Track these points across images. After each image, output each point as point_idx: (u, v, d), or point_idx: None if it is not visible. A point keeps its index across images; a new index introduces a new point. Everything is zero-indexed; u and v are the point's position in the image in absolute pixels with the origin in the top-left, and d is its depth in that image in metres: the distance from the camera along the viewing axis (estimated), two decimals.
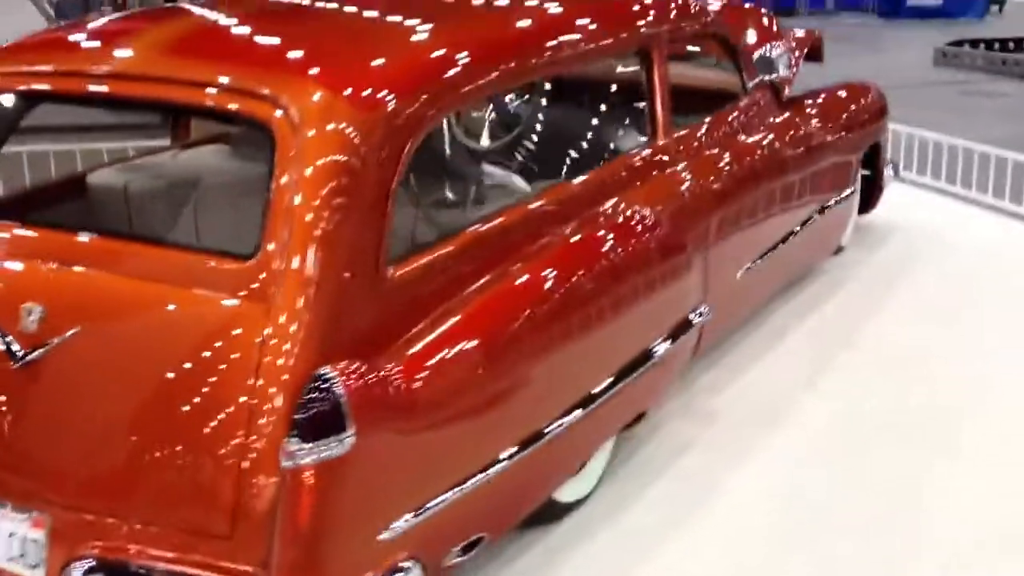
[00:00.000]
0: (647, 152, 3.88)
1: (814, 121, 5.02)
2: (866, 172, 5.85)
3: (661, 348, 3.51)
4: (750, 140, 4.49)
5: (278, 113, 2.65)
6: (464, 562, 2.84)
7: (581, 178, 3.55)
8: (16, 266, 2.85)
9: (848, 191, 5.42)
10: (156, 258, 2.74)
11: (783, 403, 4.22)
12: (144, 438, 2.58)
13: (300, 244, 2.54)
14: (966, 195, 6.90)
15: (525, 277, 3.05)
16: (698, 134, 4.21)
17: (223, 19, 3.56)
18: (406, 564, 2.60)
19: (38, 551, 2.64)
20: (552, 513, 3.33)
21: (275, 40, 3.32)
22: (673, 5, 4.25)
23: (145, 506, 2.57)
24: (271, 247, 2.56)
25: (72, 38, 3.35)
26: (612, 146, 4.01)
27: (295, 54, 3.07)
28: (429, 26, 3.45)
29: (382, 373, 2.52)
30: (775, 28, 5.49)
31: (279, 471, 2.40)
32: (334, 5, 3.91)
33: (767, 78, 4.77)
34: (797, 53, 5.40)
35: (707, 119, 4.34)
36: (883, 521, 3.46)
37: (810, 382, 4.41)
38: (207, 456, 2.51)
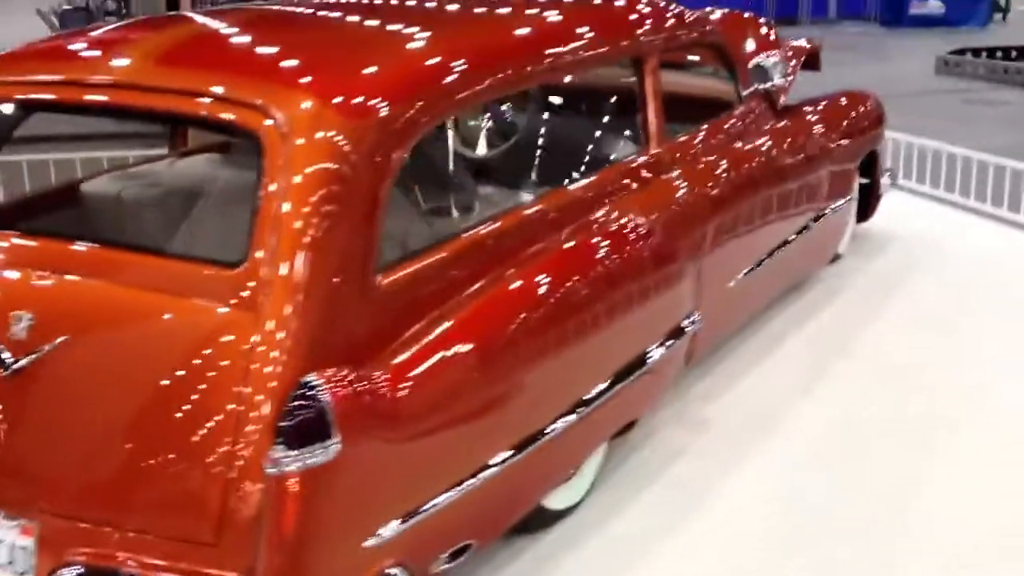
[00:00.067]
0: (640, 160, 3.89)
1: (809, 129, 5.03)
2: (864, 180, 5.85)
3: (652, 356, 3.52)
4: (744, 149, 4.49)
5: (267, 122, 2.67)
6: (452, 569, 2.85)
7: (573, 186, 3.57)
8: (6, 274, 2.86)
9: (845, 199, 5.42)
10: (145, 266, 2.76)
11: (778, 411, 4.22)
12: (132, 445, 2.59)
13: (288, 251, 2.55)
14: (964, 203, 6.90)
15: (515, 285, 3.06)
16: (691, 142, 4.22)
17: (220, 28, 3.58)
18: (393, 571, 2.61)
19: (27, 558, 2.65)
20: (542, 520, 3.33)
21: (267, 49, 3.34)
22: (666, 14, 4.26)
23: (132, 513, 2.58)
24: (259, 255, 2.57)
25: (67, 47, 3.37)
26: (605, 154, 4.02)
27: (287, 63, 3.10)
28: (421, 34, 3.48)
29: (369, 381, 2.53)
30: (772, 37, 5.49)
31: (265, 478, 2.41)
32: (331, 13, 3.93)
33: (762, 87, 4.78)
34: (793, 62, 5.40)
35: (701, 128, 4.35)
36: (880, 525, 3.46)
37: (806, 389, 4.41)
38: (194, 463, 2.52)
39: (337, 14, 3.93)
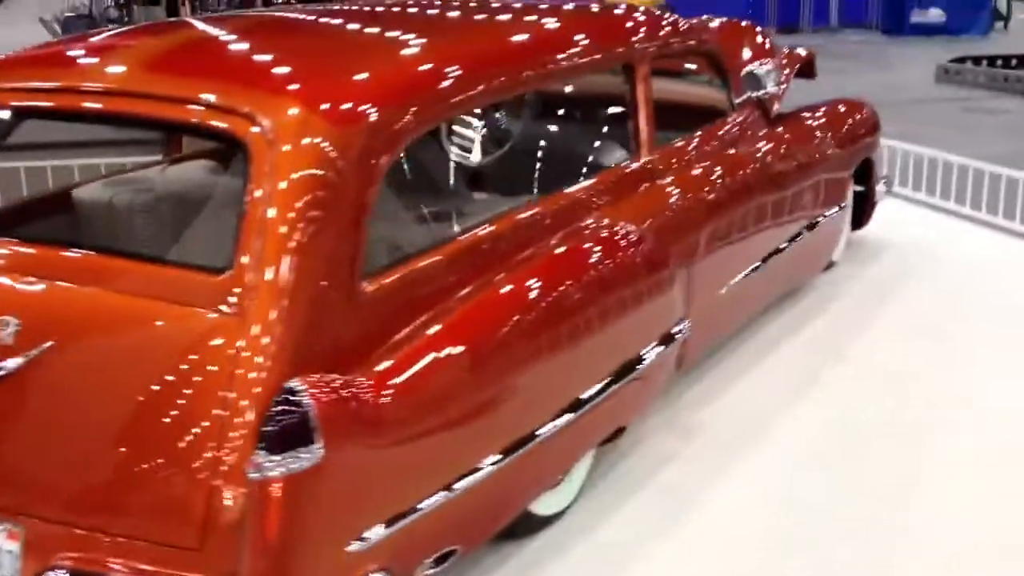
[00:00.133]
0: (631, 167, 3.91)
1: (802, 137, 5.05)
2: (859, 188, 5.86)
3: (641, 363, 3.52)
4: (736, 156, 4.51)
5: (254, 129, 2.69)
6: (437, 574, 2.85)
7: (562, 192, 3.58)
8: None
9: (839, 207, 5.43)
10: (132, 272, 2.77)
11: (769, 416, 4.22)
12: (118, 450, 2.61)
13: (273, 257, 2.57)
14: (960, 211, 6.91)
15: (503, 291, 3.08)
16: (683, 149, 4.24)
17: (213, 35, 3.61)
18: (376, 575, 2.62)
19: (12, 562, 2.67)
20: (529, 526, 3.34)
21: (258, 56, 3.37)
22: (658, 22, 4.28)
23: (118, 518, 2.59)
24: (245, 260, 2.59)
25: (58, 54, 3.40)
26: (596, 161, 4.03)
27: (276, 70, 3.13)
28: (412, 41, 3.50)
29: (354, 386, 2.54)
30: (766, 45, 5.51)
31: (248, 483, 2.42)
32: (327, 20, 3.96)
33: (755, 94, 4.79)
34: (787, 70, 5.43)
35: (692, 135, 4.36)
36: (876, 527, 3.47)
37: (798, 395, 4.41)
38: (179, 468, 2.53)
39: (332, 20, 3.96)
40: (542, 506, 3.36)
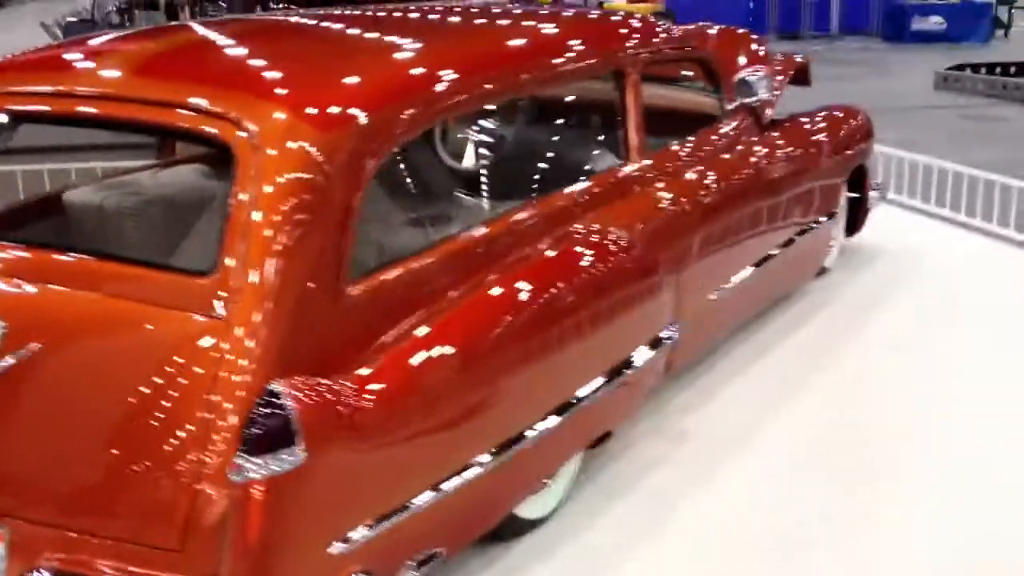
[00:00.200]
0: (620, 173, 3.92)
1: (795, 144, 5.05)
2: (854, 194, 5.88)
3: (628, 367, 3.54)
4: (726, 162, 4.52)
5: (240, 134, 2.71)
6: None
7: (551, 198, 3.59)
8: None
9: (831, 213, 5.44)
10: (120, 275, 2.79)
11: (757, 423, 4.23)
12: (102, 452, 2.63)
13: (257, 259, 2.59)
14: (954, 218, 6.92)
15: (490, 295, 3.10)
16: (673, 155, 4.25)
17: (207, 40, 3.64)
18: None
19: None
20: (515, 529, 3.35)
21: (248, 61, 3.40)
22: (648, 29, 4.30)
23: (102, 519, 2.62)
24: (229, 263, 2.60)
25: (52, 58, 3.42)
26: (585, 166, 4.04)
27: (264, 75, 3.15)
28: (401, 47, 3.53)
29: (337, 389, 2.56)
30: (760, 52, 5.53)
31: (230, 485, 2.44)
32: (320, 25, 3.99)
33: (747, 101, 4.81)
34: (781, 77, 5.44)
35: (683, 141, 4.38)
36: (859, 536, 3.47)
37: (788, 402, 4.42)
38: (163, 470, 2.55)
39: (325, 25, 3.98)
40: (528, 509, 3.37)
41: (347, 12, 4.17)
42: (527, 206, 3.49)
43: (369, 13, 4.15)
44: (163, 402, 2.60)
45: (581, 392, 3.32)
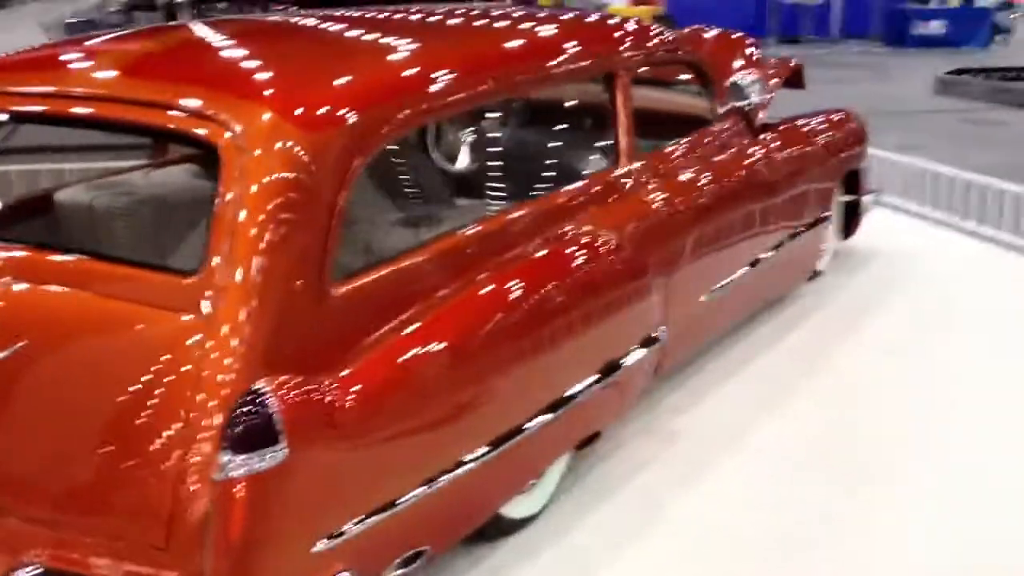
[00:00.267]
0: (610, 175, 3.94)
1: (786, 147, 5.06)
2: (848, 198, 5.89)
3: (616, 368, 3.55)
4: (717, 165, 4.53)
5: (226, 135, 2.72)
6: (405, 575, 2.88)
7: (539, 200, 3.61)
8: None
9: (823, 217, 5.45)
10: (107, 274, 2.80)
11: (747, 425, 4.23)
12: (87, 449, 2.64)
13: (242, 258, 2.60)
14: (949, 221, 6.94)
15: (477, 295, 3.10)
16: (663, 158, 4.26)
17: (199, 40, 3.66)
18: (342, 575, 2.65)
19: None
20: (501, 529, 3.36)
21: (238, 62, 3.42)
22: (638, 32, 4.32)
23: (88, 516, 2.63)
24: (215, 263, 2.62)
25: (42, 59, 3.44)
26: (575, 169, 4.05)
27: (254, 76, 3.17)
28: (392, 48, 3.55)
29: (319, 388, 2.57)
30: (753, 56, 5.55)
31: (213, 483, 2.45)
32: (313, 25, 4.01)
33: (739, 104, 4.82)
34: (774, 80, 5.45)
35: (673, 144, 4.39)
36: (850, 537, 3.48)
37: (778, 404, 4.42)
38: (147, 468, 2.56)
39: (319, 26, 4.00)
40: (515, 509, 3.38)
41: (341, 13, 4.20)
42: (516, 208, 3.51)
43: (363, 14, 4.17)
44: (150, 400, 2.61)
45: (568, 393, 3.33)
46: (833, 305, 5.55)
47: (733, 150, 4.70)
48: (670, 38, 4.51)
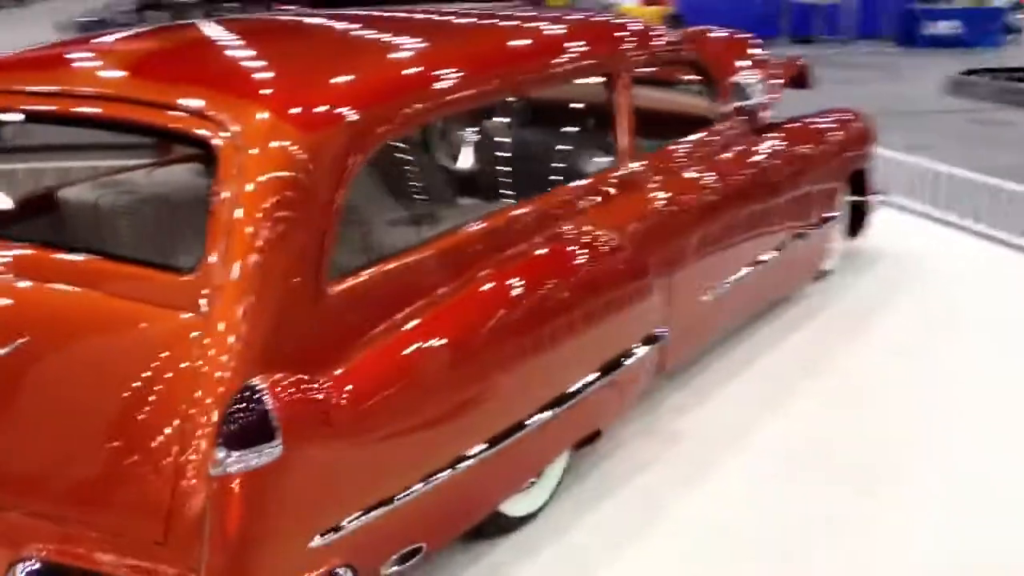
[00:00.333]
0: (610, 175, 3.95)
1: (790, 147, 5.05)
2: (855, 198, 5.88)
3: (617, 367, 3.56)
4: (719, 164, 4.53)
5: (223, 134, 2.74)
6: (403, 571, 2.89)
7: (538, 199, 3.61)
8: None
9: (828, 217, 5.44)
10: (108, 272, 2.82)
11: (750, 426, 4.23)
12: (87, 445, 2.67)
13: (238, 256, 2.62)
14: (957, 222, 6.92)
15: (475, 293, 3.11)
16: (663, 158, 4.26)
17: (202, 40, 3.69)
18: (339, 571, 2.66)
19: None
20: (500, 526, 3.37)
21: (239, 61, 3.44)
22: (639, 32, 4.32)
23: (88, 511, 2.65)
24: (212, 261, 2.63)
25: (43, 58, 3.46)
26: (575, 168, 4.05)
27: (253, 75, 3.19)
28: (394, 48, 3.57)
29: (315, 385, 2.59)
30: (758, 56, 5.55)
31: (209, 479, 2.47)
32: (318, 25, 4.03)
33: (741, 104, 4.82)
34: (779, 80, 5.45)
35: (675, 143, 4.40)
36: (851, 537, 3.48)
37: (781, 405, 4.42)
38: (146, 464, 2.58)
39: (322, 26, 4.02)
40: (515, 507, 3.39)
41: (347, 12, 4.21)
42: (515, 207, 3.51)
43: (368, 14, 4.19)
44: (150, 397, 2.63)
45: (567, 391, 3.33)
46: (839, 305, 5.54)
47: (735, 150, 4.70)
48: (671, 38, 4.51)
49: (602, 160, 4.07)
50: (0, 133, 3.51)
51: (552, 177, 3.84)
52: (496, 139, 4.36)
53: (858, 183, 5.82)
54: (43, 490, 2.71)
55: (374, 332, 2.82)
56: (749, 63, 5.27)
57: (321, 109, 2.88)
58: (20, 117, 3.21)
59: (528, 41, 3.87)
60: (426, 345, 2.88)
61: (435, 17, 4.19)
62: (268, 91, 2.95)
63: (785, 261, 4.99)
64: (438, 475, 2.88)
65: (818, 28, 20.01)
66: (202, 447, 2.51)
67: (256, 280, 2.60)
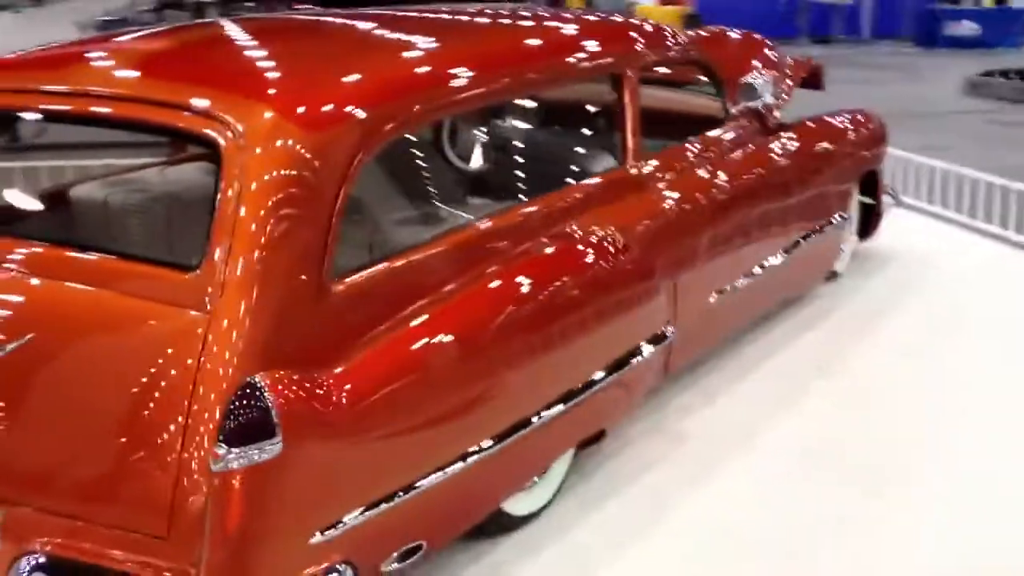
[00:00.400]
0: (617, 175, 3.96)
1: (800, 148, 5.04)
2: (867, 199, 5.87)
3: (622, 367, 3.56)
4: (726, 164, 4.53)
5: (228, 133, 2.76)
6: (403, 569, 2.91)
7: (543, 199, 3.62)
8: None
9: (839, 217, 5.42)
10: (115, 270, 2.85)
11: (757, 426, 4.23)
12: (94, 441, 2.70)
13: (241, 254, 2.64)
14: (969, 223, 6.89)
15: (477, 292, 3.13)
16: (671, 158, 4.26)
17: (217, 39, 3.71)
18: (339, 567, 2.68)
19: None
20: (503, 525, 3.38)
21: (250, 61, 3.46)
22: (647, 33, 4.32)
23: (92, 506, 2.68)
24: (215, 258, 2.66)
25: (53, 57, 3.49)
26: (582, 168, 4.06)
27: (258, 75, 3.21)
28: (400, 47, 3.60)
29: (317, 382, 2.61)
30: (771, 56, 5.54)
31: (211, 475, 2.49)
32: (328, 24, 4.05)
33: (751, 104, 4.81)
34: (791, 81, 5.45)
35: (683, 144, 4.40)
36: (858, 538, 3.48)
37: (789, 406, 4.42)
38: (149, 459, 2.62)
39: (332, 25, 4.04)
40: (518, 506, 3.41)
41: (359, 12, 4.24)
42: (521, 206, 3.53)
43: (380, 13, 4.21)
44: (155, 393, 2.66)
45: (572, 389, 3.34)
46: (849, 306, 5.52)
47: (743, 150, 4.70)
48: (679, 39, 4.52)
49: (609, 160, 4.07)
50: (17, 130, 3.54)
51: (559, 176, 3.84)
52: (502, 138, 4.37)
53: (870, 184, 5.80)
54: (48, 485, 2.74)
55: (377, 330, 2.84)
56: (761, 63, 5.25)
57: (326, 108, 2.91)
58: (34, 116, 3.24)
59: (535, 41, 3.89)
60: (429, 343, 2.90)
61: (445, 16, 4.21)
62: (274, 90, 2.98)
63: (795, 261, 4.98)
64: (439, 473, 2.89)
65: (837, 28, 19.94)
66: (204, 443, 2.53)
67: (258, 278, 2.63)
